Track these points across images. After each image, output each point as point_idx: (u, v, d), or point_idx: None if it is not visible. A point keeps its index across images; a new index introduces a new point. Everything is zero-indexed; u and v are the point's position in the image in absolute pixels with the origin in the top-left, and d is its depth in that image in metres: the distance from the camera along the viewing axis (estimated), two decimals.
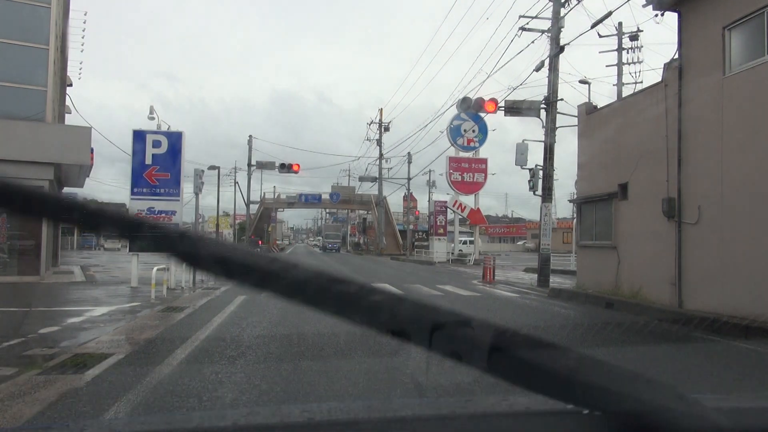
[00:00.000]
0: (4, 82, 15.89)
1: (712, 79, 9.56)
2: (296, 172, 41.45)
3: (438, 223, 37.84)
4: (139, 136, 14.34)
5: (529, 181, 17.29)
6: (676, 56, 10.56)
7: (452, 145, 35.00)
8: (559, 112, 16.04)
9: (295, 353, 6.41)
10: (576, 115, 15.10)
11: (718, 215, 9.43)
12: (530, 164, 17.52)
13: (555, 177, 16.92)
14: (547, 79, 16.06)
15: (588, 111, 14.27)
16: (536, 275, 16.92)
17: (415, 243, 47.21)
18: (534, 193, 17.07)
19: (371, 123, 48.34)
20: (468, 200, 36.10)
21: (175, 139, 14.55)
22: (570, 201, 26.66)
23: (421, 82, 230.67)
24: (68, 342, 6.91)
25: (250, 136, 43.08)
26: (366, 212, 63.25)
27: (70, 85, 23.50)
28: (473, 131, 34.86)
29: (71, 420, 3.86)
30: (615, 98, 19.82)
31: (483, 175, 36.00)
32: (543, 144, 16.37)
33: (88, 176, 21.54)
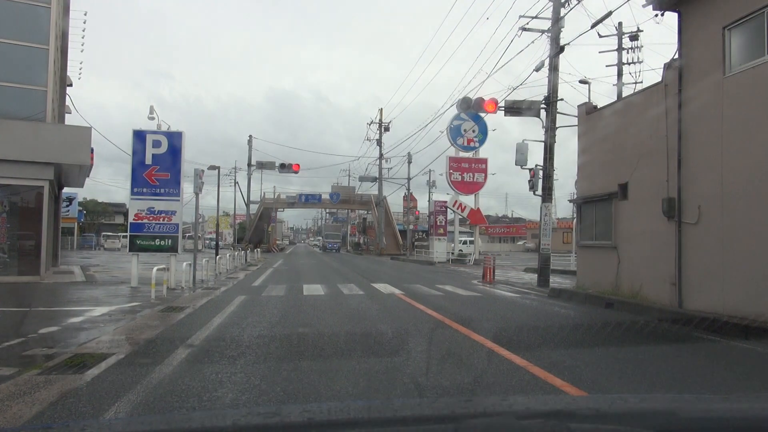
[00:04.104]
0: (4, 82, 15.89)
1: (712, 79, 9.56)
2: (296, 172, 41.47)
3: (438, 223, 37.83)
4: (139, 136, 14.32)
5: (529, 181, 17.28)
6: (676, 56, 10.55)
7: (452, 145, 35.02)
8: (559, 112, 16.04)
9: (295, 353, 6.41)
10: (576, 115, 15.10)
11: (718, 215, 9.43)
12: (530, 164, 17.51)
13: (555, 177, 16.92)
14: (547, 79, 16.06)
15: (588, 111, 14.27)
16: (536, 275, 16.92)
17: (415, 243, 47.24)
18: (534, 193, 17.07)
19: (371, 123, 48.37)
20: (468, 200, 36.11)
21: (175, 139, 14.53)
22: (570, 201, 26.68)
23: (421, 82, 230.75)
24: (68, 342, 6.90)
25: (250, 136, 43.08)
26: (366, 212, 63.25)
27: (70, 85, 23.48)
28: (473, 131, 34.88)
29: (71, 420, 3.86)
30: (615, 98, 19.81)
31: (483, 175, 36.01)
32: (543, 144, 16.36)
33: (88, 176, 21.54)
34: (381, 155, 47.97)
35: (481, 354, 6.21)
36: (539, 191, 16.58)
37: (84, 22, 25.54)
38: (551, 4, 15.79)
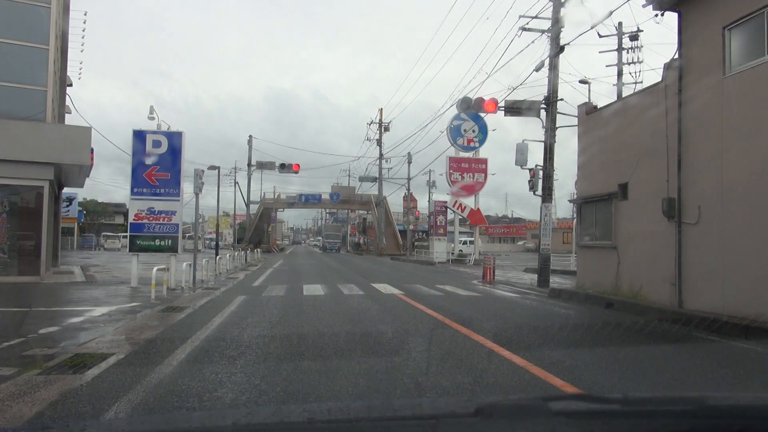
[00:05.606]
0: (4, 82, 15.89)
1: (712, 79, 9.55)
2: (296, 172, 41.53)
3: (438, 223, 37.84)
4: (139, 136, 14.31)
5: (529, 181, 17.28)
6: (676, 56, 10.55)
7: (452, 145, 35.02)
8: (559, 112, 16.04)
9: (295, 353, 6.41)
10: (576, 115, 15.10)
11: (718, 215, 9.43)
12: (530, 164, 17.50)
13: (555, 177, 16.93)
14: (547, 79, 16.06)
15: (588, 111, 14.26)
16: (536, 275, 16.92)
17: (415, 243, 47.26)
18: (534, 193, 17.06)
19: (371, 123, 48.37)
20: (468, 200, 36.11)
21: (175, 139, 14.52)
22: (570, 201, 26.68)
23: (421, 82, 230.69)
24: (68, 342, 6.90)
25: (250, 137, 43.13)
26: (366, 212, 63.26)
27: (70, 85, 23.48)
28: (473, 131, 34.89)
29: (71, 420, 3.86)
30: (615, 98, 19.81)
31: (483, 175, 36.02)
32: (543, 144, 16.36)
33: (88, 176, 21.54)
34: (381, 155, 47.98)
35: (481, 354, 6.22)
36: (539, 191, 16.58)
37: (84, 22, 25.54)
38: (551, 4, 15.80)
